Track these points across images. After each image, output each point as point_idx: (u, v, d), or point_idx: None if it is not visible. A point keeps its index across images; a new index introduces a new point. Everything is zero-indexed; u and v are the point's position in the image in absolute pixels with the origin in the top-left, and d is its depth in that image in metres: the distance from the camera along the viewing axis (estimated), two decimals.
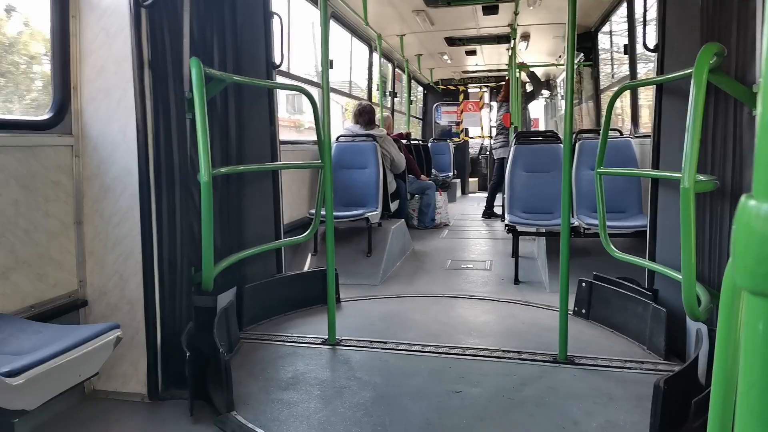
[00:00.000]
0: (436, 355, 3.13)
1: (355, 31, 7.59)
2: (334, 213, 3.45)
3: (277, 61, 4.07)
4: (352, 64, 8.09)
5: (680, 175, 2.26)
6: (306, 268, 4.86)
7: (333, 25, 6.71)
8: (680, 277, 2.37)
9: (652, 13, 3.39)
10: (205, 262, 2.76)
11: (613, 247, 3.50)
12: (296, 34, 5.74)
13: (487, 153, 13.27)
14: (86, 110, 2.50)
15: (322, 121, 3.42)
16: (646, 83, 4.59)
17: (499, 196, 8.34)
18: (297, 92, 4.51)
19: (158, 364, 2.57)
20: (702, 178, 2.52)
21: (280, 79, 4.53)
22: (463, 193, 12.57)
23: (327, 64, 3.28)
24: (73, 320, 2.49)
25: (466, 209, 9.75)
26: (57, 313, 2.39)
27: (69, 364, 1.75)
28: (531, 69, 8.28)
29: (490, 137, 12.42)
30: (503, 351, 3.16)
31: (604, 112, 3.95)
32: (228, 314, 3.21)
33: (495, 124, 8.77)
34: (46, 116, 2.41)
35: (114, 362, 2.47)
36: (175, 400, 2.58)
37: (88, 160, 2.51)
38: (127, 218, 2.49)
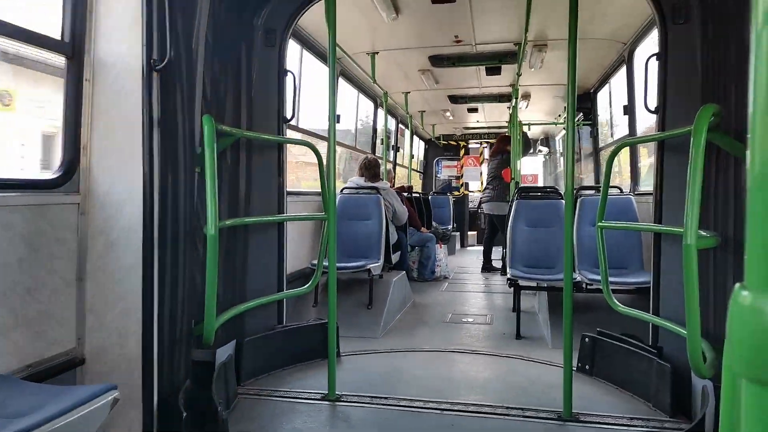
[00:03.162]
0: (438, 412, 3.07)
1: (362, 88, 7.81)
2: (336, 264, 3.44)
3: (288, 115, 4.19)
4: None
5: (682, 230, 2.28)
6: (307, 319, 4.82)
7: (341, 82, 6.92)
8: (685, 332, 2.35)
9: (651, 75, 3.49)
10: (207, 316, 2.73)
11: (616, 301, 3.48)
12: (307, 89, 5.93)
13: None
14: (94, 169, 2.54)
15: (327, 174, 3.48)
16: (644, 140, 4.68)
17: (495, 250, 8.36)
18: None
19: (154, 423, 2.51)
20: (704, 233, 2.53)
21: (290, 132, 4.64)
22: (462, 245, 12.59)
23: (334, 118, 3.37)
24: (70, 379, 2.45)
25: (466, 262, 9.74)
26: (54, 372, 2.35)
27: (64, 428, 1.70)
28: (523, 130, 8.46)
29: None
30: (506, 408, 3.09)
31: (603, 169, 4.01)
32: (227, 369, 3.17)
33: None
34: (54, 175, 2.44)
35: (110, 422, 2.41)
36: None
37: (93, 217, 2.53)
38: (130, 275, 2.49)
